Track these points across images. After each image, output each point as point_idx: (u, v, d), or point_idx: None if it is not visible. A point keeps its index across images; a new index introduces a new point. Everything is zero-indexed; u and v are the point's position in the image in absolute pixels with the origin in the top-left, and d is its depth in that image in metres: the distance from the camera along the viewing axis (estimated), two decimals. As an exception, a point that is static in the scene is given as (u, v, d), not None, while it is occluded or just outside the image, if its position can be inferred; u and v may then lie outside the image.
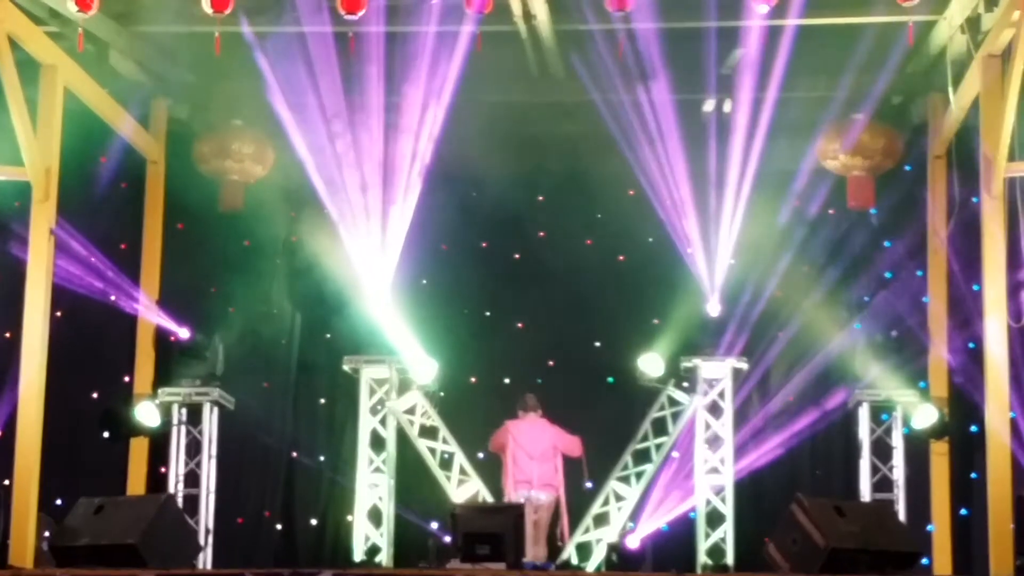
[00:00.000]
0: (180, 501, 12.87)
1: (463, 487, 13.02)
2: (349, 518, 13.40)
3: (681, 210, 13.23)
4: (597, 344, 13.95)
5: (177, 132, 14.08)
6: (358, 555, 13.04)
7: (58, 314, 12.00)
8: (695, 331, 13.44)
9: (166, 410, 13.37)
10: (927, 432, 13.04)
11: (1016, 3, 10.76)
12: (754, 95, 12.88)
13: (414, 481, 13.22)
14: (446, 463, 13.18)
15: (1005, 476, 11.12)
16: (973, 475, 12.88)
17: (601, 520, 13.15)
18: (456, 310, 13.82)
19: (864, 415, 13.14)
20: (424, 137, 13.22)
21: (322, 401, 14.03)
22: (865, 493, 13.05)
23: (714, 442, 13.16)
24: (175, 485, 13.29)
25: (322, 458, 13.89)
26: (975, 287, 12.09)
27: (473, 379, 13.75)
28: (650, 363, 13.10)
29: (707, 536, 13.00)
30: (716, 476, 13.09)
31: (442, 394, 13.35)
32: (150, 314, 13.69)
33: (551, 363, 13.96)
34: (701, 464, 13.09)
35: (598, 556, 12.93)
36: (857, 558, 10.35)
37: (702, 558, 12.95)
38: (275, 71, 12.95)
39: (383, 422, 13.26)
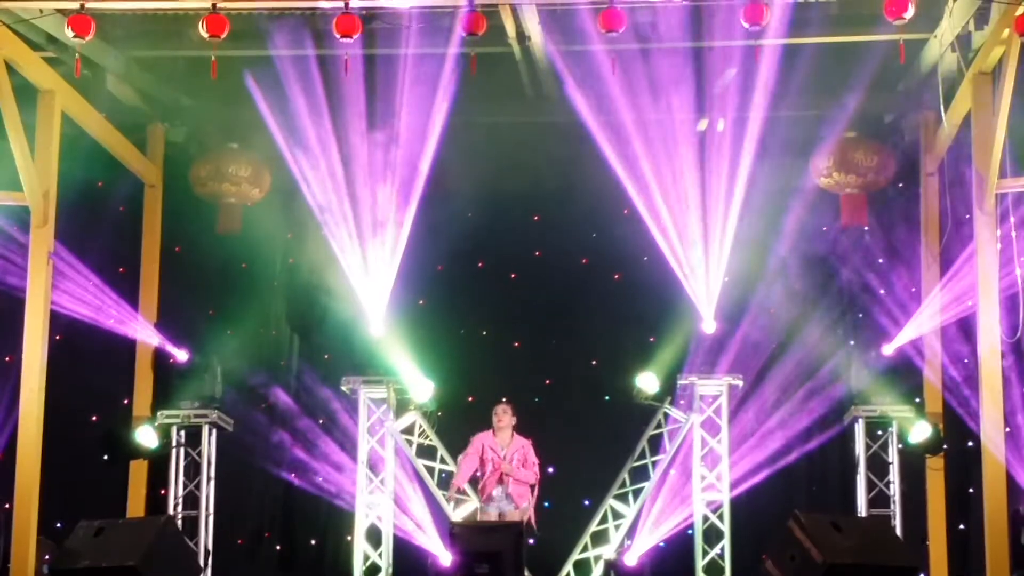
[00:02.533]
0: (180, 523, 12.91)
1: (461, 506, 13.04)
2: (348, 538, 13.43)
3: (676, 229, 13.27)
4: (594, 362, 13.99)
5: (174, 156, 14.16)
6: (357, 575, 13.05)
7: (57, 338, 12.06)
8: (691, 349, 13.48)
9: (165, 432, 13.40)
10: (923, 447, 13.09)
11: (1006, 21, 10.83)
12: (747, 114, 12.92)
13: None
14: (444, 482, 13.20)
15: (1000, 491, 11.16)
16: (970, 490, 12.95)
17: (599, 538, 13.17)
18: (453, 330, 13.87)
19: (860, 431, 13.20)
20: (420, 158, 13.27)
21: (320, 422, 14.05)
22: (862, 508, 13.09)
23: (711, 459, 13.19)
24: (174, 507, 13.31)
25: (320, 478, 13.90)
26: (968, 303, 12.14)
27: (471, 398, 13.77)
28: (647, 381, 13.12)
29: (705, 553, 13.02)
30: (713, 493, 13.12)
31: (440, 414, 13.36)
32: (148, 337, 13.74)
33: (548, 382, 14.00)
34: (698, 481, 13.12)
35: (596, 574, 12.94)
36: (854, 573, 10.38)
37: (700, 575, 12.97)
38: (271, 95, 13.01)
39: (381, 442, 13.30)
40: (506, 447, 12.30)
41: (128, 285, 13.77)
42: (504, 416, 12.40)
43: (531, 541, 12.02)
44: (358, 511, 13.22)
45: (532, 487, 12.32)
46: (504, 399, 12.62)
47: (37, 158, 11.61)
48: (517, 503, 12.19)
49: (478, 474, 12.40)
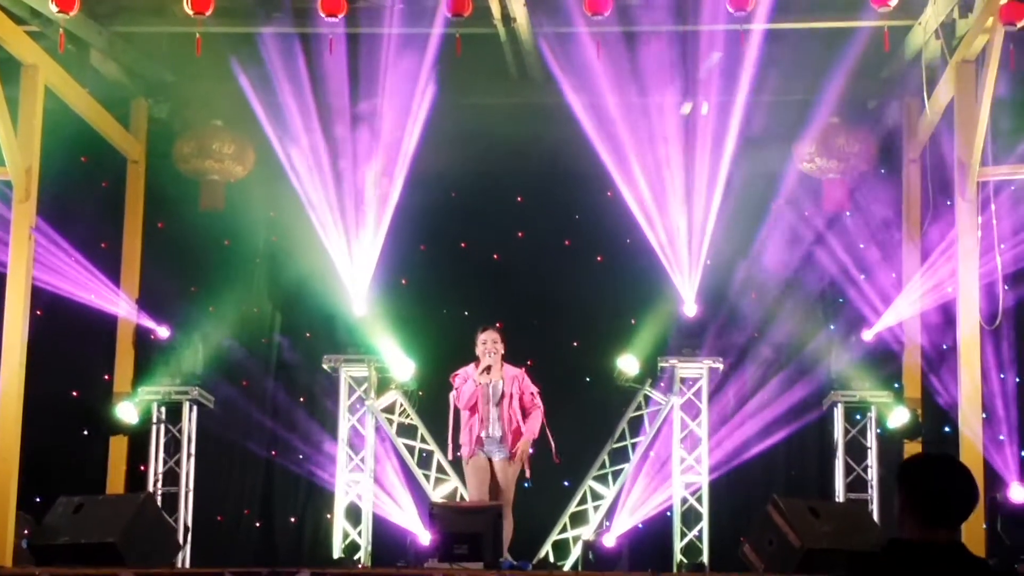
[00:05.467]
0: (159, 499, 12.92)
1: (441, 486, 13.09)
2: (328, 516, 13.48)
3: (658, 212, 13.31)
4: (575, 344, 14.02)
5: (157, 132, 14.13)
6: (336, 553, 13.10)
7: (38, 313, 12.05)
8: (672, 331, 13.54)
9: (145, 409, 13.41)
10: (901, 433, 13.17)
11: (990, 9, 10.88)
12: (731, 98, 12.96)
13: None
14: (424, 462, 13.25)
15: (977, 477, 11.19)
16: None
17: (578, 519, 13.23)
18: (435, 310, 13.88)
19: (839, 416, 13.25)
20: (404, 138, 13.28)
21: (301, 399, 14.08)
22: (840, 493, 13.17)
23: (690, 441, 13.25)
24: (154, 483, 13.33)
25: (301, 456, 13.94)
26: (948, 290, 12.21)
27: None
28: (627, 363, 13.16)
29: (683, 535, 13.10)
30: (692, 475, 13.19)
31: (421, 393, 13.38)
32: (130, 313, 13.74)
33: (529, 363, 13.88)
34: (677, 463, 13.18)
35: (575, 555, 13.00)
36: (832, 558, 10.45)
37: (678, 557, 13.04)
38: (255, 73, 13.00)
39: (362, 421, 13.33)
40: (498, 382, 11.21)
41: (110, 261, 13.72)
42: (494, 347, 11.19)
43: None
44: (338, 489, 13.27)
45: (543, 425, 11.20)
46: (484, 326, 11.42)
47: (20, 133, 11.57)
48: (512, 452, 11.19)
49: (460, 412, 11.27)
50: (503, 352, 11.31)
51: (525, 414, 11.22)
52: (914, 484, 4.58)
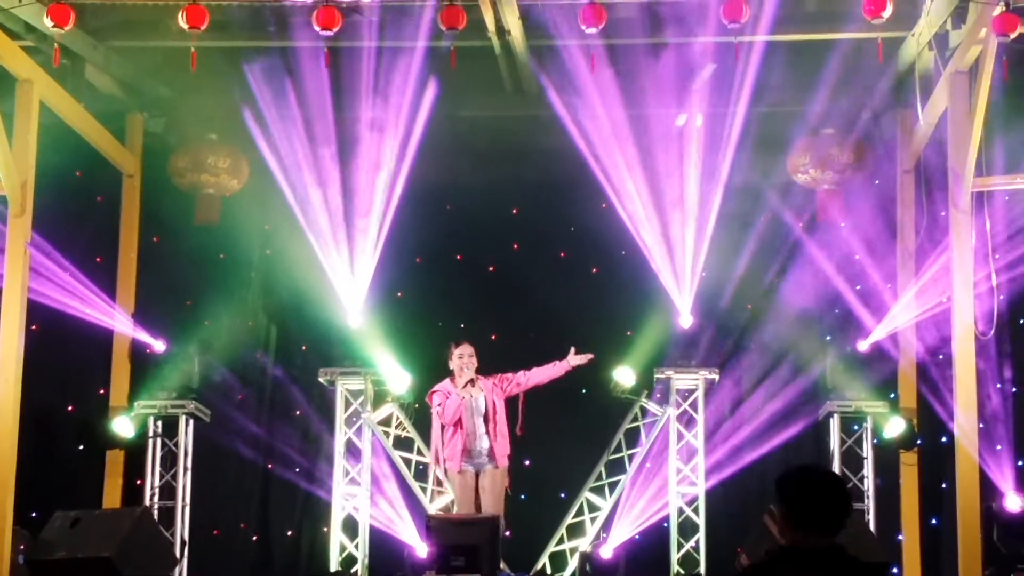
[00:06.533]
0: (156, 513, 12.91)
1: (438, 498, 13.07)
2: (325, 529, 13.48)
3: (653, 223, 13.33)
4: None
5: (153, 146, 14.15)
6: (333, 566, 13.08)
7: (33, 328, 12.04)
8: (668, 343, 13.55)
9: (142, 423, 13.40)
10: (897, 443, 13.19)
11: (983, 21, 10.92)
12: (725, 110, 12.99)
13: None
14: (421, 474, 13.25)
15: (973, 486, 11.26)
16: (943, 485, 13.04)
17: (575, 530, 13.23)
18: (431, 322, 13.85)
19: (835, 426, 13.25)
20: (399, 151, 13.30)
21: (297, 413, 14.08)
22: (836, 503, 13.13)
23: (686, 452, 13.25)
24: (151, 497, 13.32)
25: (297, 469, 13.94)
26: (943, 299, 12.23)
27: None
28: (623, 375, 13.16)
29: (680, 546, 13.08)
30: (688, 486, 13.19)
31: (417, 405, 13.35)
32: (125, 327, 13.74)
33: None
34: (674, 474, 13.18)
35: (572, 566, 13.00)
36: (828, 568, 10.44)
37: (675, 567, 13.03)
38: (251, 86, 13.03)
39: (358, 433, 13.33)
40: (479, 396, 11.55)
41: (105, 275, 13.72)
42: (471, 360, 11.55)
43: (507, 534, 11.85)
44: (335, 502, 13.25)
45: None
46: (458, 340, 11.78)
47: (15, 147, 11.58)
48: (499, 462, 11.49)
49: (445, 429, 11.54)
50: (476, 365, 11.59)
51: (530, 380, 11.77)
52: (787, 494, 5.02)
